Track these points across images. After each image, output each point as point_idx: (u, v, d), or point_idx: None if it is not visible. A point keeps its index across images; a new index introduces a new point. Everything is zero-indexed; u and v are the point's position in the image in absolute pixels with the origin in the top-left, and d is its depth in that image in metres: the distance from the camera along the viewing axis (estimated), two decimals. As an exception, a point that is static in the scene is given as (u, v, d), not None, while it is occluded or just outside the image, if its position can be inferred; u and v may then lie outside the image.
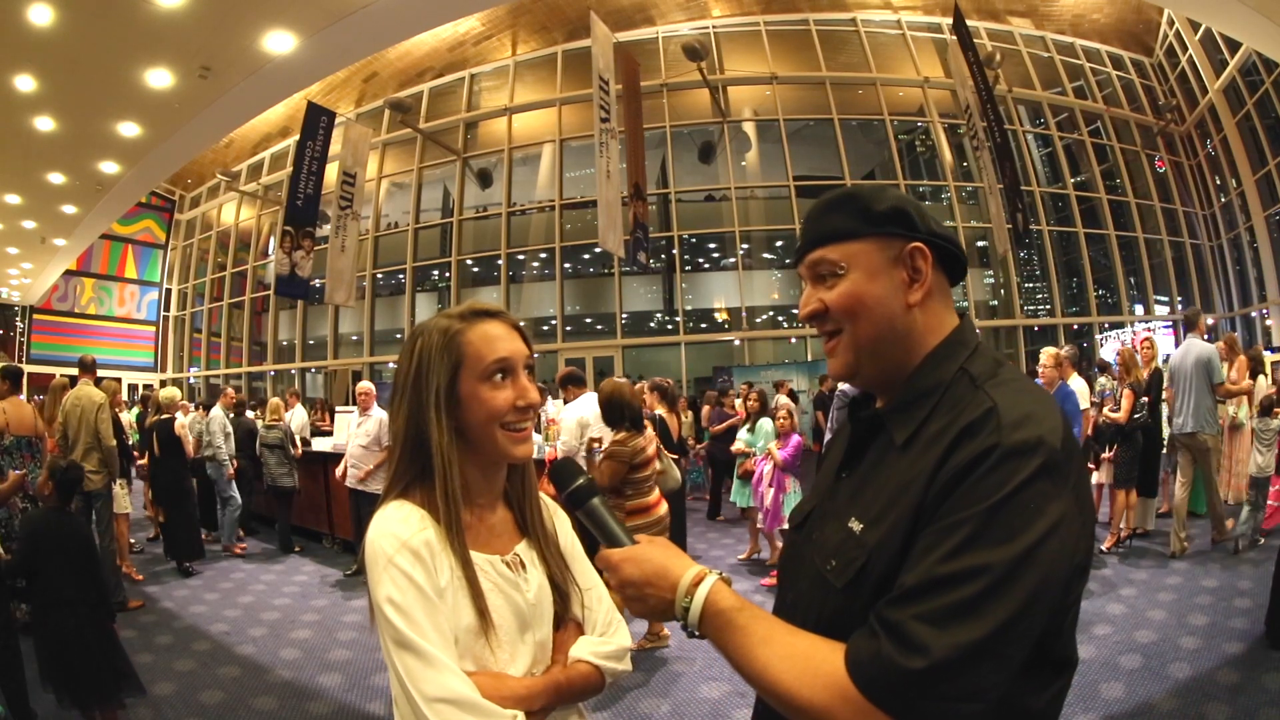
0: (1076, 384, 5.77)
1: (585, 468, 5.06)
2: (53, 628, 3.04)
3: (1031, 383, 0.89)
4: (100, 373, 6.18)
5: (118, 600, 4.96)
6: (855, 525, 0.86)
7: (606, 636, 1.18)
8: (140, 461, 7.11)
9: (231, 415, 7.32)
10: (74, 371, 5.62)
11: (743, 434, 6.23)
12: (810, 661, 0.78)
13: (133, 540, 6.65)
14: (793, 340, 15.55)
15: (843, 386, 5.42)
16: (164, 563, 6.35)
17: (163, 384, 20.73)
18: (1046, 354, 5.10)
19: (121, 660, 3.22)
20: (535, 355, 1.14)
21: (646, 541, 0.98)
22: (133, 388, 18.57)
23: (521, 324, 1.15)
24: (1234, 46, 14.95)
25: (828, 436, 5.44)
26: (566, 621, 1.16)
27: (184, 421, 6.98)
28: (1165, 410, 6.14)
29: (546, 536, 1.18)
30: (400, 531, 1.00)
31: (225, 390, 7.48)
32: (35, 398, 10.39)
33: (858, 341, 0.92)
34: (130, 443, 6.91)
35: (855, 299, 0.90)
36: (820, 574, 0.88)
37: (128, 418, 8.60)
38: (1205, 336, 6.06)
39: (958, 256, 0.95)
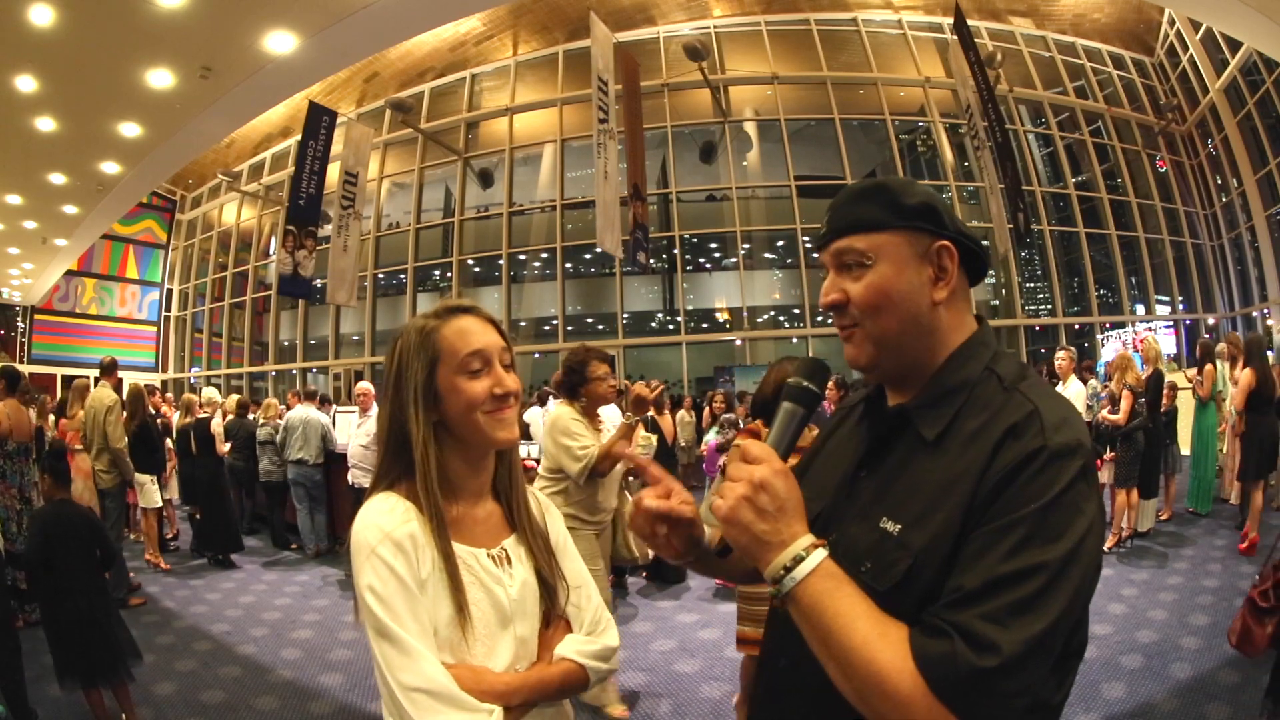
0: (1074, 387, 5.78)
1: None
2: (67, 615, 3.10)
3: (1052, 388, 0.90)
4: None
5: (120, 594, 5.08)
6: (890, 525, 0.84)
7: (594, 635, 1.18)
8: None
9: (233, 416, 7.33)
10: (78, 372, 5.69)
11: (710, 434, 6.37)
12: (907, 648, 0.76)
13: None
14: (794, 340, 15.54)
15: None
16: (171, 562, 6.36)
17: (182, 385, 20.74)
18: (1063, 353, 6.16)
19: (125, 636, 3.30)
20: (510, 348, 1.15)
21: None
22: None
23: (495, 318, 1.16)
24: (1235, 46, 14.93)
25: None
26: (556, 619, 1.16)
27: (218, 421, 7.10)
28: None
29: (535, 531, 1.19)
30: (384, 523, 1.02)
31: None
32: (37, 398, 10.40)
33: (882, 335, 0.91)
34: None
35: (881, 292, 0.89)
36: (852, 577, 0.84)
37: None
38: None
39: (980, 257, 0.95)
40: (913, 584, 0.80)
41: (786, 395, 0.96)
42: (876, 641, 0.76)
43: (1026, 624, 0.72)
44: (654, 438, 5.21)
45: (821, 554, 0.81)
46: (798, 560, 0.80)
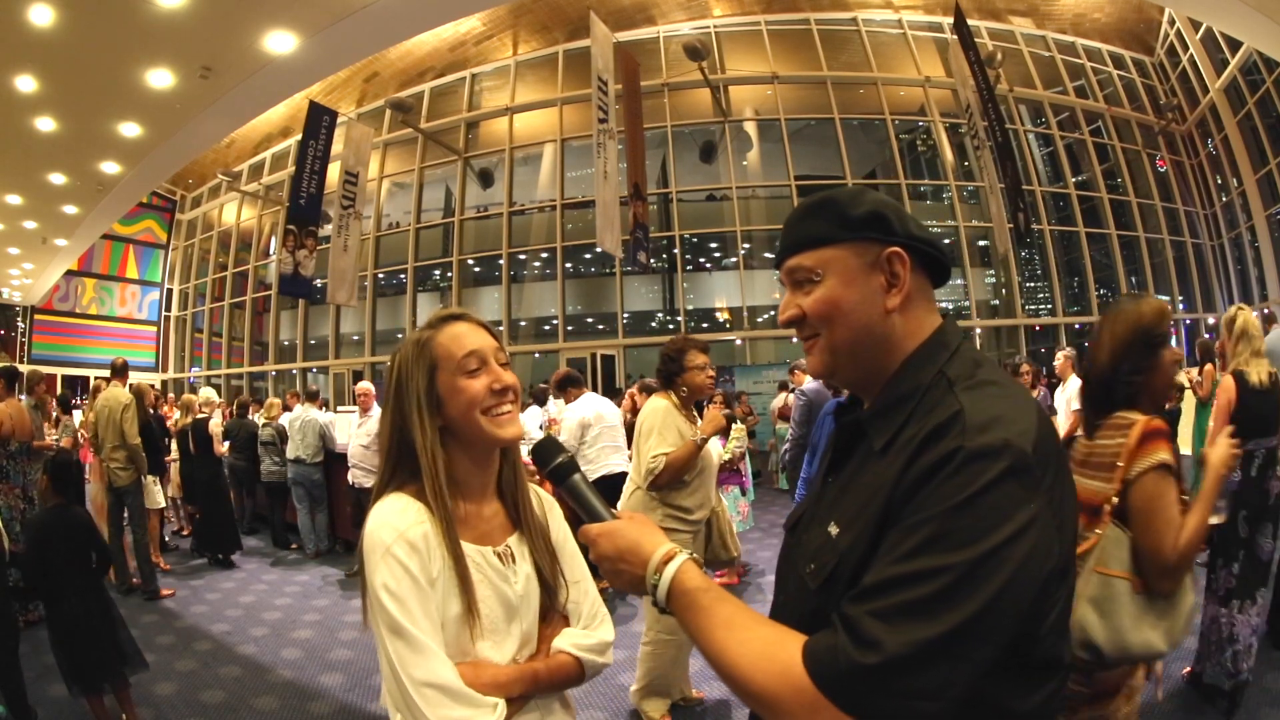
0: (1073, 386, 5.79)
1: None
2: (64, 620, 3.11)
3: (1012, 384, 0.86)
4: (101, 373, 6.26)
5: (150, 588, 5.28)
6: (833, 529, 0.87)
7: (590, 629, 1.21)
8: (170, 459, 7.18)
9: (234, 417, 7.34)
10: (78, 372, 5.72)
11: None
12: (767, 648, 0.79)
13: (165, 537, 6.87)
14: (794, 340, 15.51)
15: (809, 385, 5.50)
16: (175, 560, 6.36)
17: (182, 385, 20.74)
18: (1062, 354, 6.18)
19: (125, 638, 3.30)
20: (504, 348, 1.20)
21: (626, 517, 1.00)
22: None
23: (486, 321, 1.21)
24: (1235, 45, 14.92)
25: (784, 447, 5.58)
26: (554, 614, 1.19)
27: (217, 421, 7.11)
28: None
29: (536, 529, 1.22)
30: (398, 523, 1.05)
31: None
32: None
33: (834, 345, 0.92)
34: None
35: (831, 305, 0.91)
36: (801, 576, 0.89)
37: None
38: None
39: (939, 259, 0.94)
40: (836, 583, 0.82)
41: (555, 482, 1.09)
42: (734, 647, 0.81)
43: (917, 626, 0.70)
44: (744, 429, 5.26)
45: (669, 573, 0.89)
46: (654, 586, 0.90)
